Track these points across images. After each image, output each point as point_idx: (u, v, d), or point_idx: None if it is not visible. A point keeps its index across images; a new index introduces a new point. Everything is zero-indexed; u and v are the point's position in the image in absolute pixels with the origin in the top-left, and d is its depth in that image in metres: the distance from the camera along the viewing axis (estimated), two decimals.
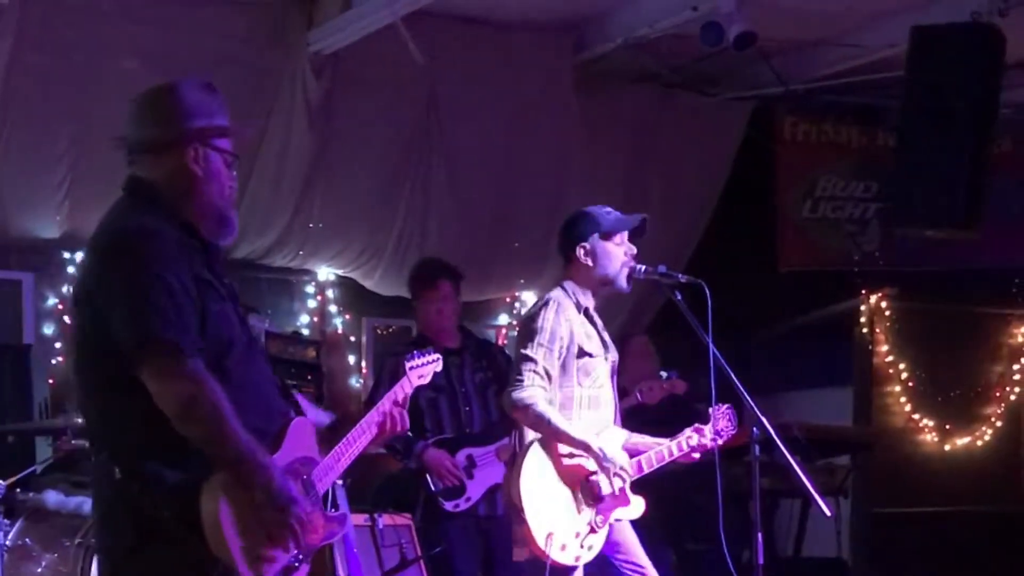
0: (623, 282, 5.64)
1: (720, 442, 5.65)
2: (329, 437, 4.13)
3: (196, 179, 3.73)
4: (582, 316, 5.59)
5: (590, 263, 5.60)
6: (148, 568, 3.59)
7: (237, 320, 3.73)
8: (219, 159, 3.77)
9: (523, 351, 5.45)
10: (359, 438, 4.14)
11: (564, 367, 5.49)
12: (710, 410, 5.58)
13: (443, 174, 8.85)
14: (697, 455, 5.65)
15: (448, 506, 7.02)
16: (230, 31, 7.94)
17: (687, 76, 9.39)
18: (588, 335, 5.58)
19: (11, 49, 7.31)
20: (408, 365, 4.78)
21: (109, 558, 3.75)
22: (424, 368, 4.80)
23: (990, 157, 7.57)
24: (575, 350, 5.50)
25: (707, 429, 5.63)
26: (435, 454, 7.03)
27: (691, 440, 5.63)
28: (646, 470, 5.60)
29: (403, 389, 4.59)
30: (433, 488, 7.04)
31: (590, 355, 5.55)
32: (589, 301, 5.65)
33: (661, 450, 5.63)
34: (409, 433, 6.93)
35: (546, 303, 5.54)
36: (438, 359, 4.92)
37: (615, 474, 5.41)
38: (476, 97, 8.79)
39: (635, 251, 5.65)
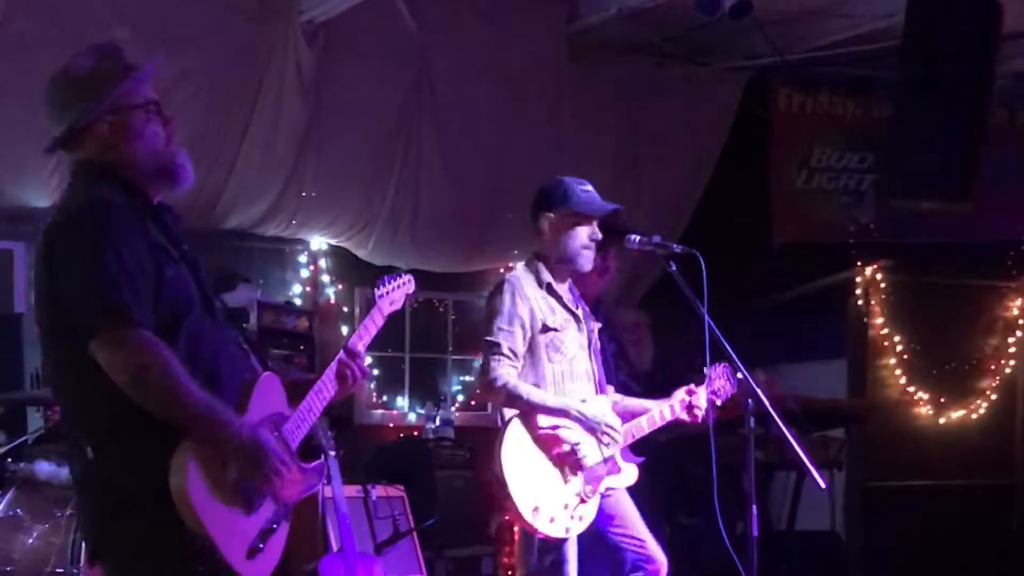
0: (582, 263, 5.55)
1: (718, 402, 5.62)
2: (295, 391, 4.00)
3: (121, 148, 3.72)
4: (543, 291, 5.51)
5: (549, 235, 5.54)
6: (129, 544, 3.57)
7: (193, 282, 3.71)
8: (138, 116, 3.74)
9: (487, 338, 5.41)
10: (326, 387, 4.05)
11: (531, 346, 5.44)
12: (705, 369, 5.54)
13: (435, 144, 8.80)
14: (697, 415, 5.59)
15: None
16: None
17: (682, 46, 9.31)
18: (552, 309, 5.50)
19: (0, 16, 7.24)
20: (378, 293, 4.32)
21: (89, 537, 3.75)
22: (395, 293, 4.37)
23: (986, 128, 7.53)
24: (539, 326, 5.44)
25: (701, 390, 5.60)
26: None
27: (684, 401, 5.60)
28: (638, 435, 5.57)
29: (374, 321, 4.26)
30: None
31: (555, 329, 5.48)
32: (552, 275, 5.57)
33: (653, 414, 5.61)
34: None
35: (500, 286, 5.47)
36: (409, 280, 4.44)
37: (603, 433, 5.37)
38: (468, 67, 8.73)
39: (600, 237, 5.54)
